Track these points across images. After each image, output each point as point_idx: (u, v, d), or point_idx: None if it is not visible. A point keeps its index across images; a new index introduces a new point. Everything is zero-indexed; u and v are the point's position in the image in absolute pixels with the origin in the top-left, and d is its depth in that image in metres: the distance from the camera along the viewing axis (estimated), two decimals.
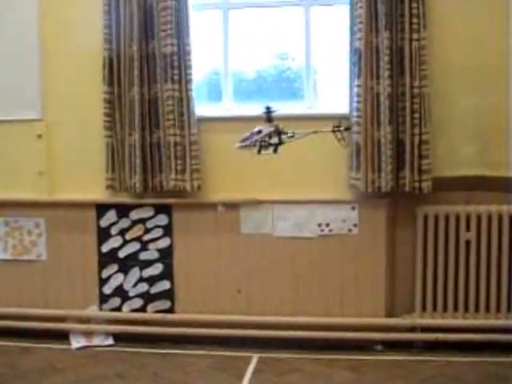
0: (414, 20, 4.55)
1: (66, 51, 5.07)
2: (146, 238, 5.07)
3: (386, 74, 4.58)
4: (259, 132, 3.75)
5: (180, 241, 5.04)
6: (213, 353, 4.87)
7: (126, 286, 5.12)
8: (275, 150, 3.78)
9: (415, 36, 4.56)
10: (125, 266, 5.11)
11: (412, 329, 4.86)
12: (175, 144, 4.84)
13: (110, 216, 5.09)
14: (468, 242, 4.74)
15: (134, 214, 5.07)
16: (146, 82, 4.86)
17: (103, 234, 5.11)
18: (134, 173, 4.89)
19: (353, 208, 4.87)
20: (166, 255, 5.06)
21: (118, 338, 5.09)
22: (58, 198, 5.15)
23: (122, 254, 5.10)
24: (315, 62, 5.04)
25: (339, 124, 3.87)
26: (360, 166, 4.67)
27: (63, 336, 5.12)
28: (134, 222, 5.07)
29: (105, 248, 5.11)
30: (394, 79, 4.63)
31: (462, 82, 4.73)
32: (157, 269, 5.09)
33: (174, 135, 4.83)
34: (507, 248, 4.71)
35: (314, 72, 5.07)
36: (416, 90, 4.59)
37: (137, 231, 5.08)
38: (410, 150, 4.63)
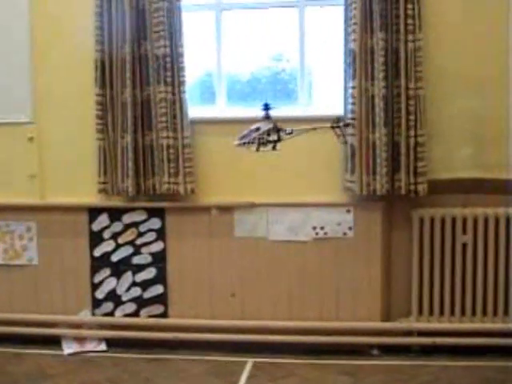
0: (410, 21, 4.56)
1: (58, 53, 5.05)
2: (139, 241, 5.06)
3: (381, 75, 4.58)
4: (257, 129, 3.75)
5: (173, 245, 5.03)
6: (207, 358, 4.86)
7: (119, 291, 5.11)
8: (274, 147, 3.78)
9: (410, 37, 4.57)
10: (117, 270, 5.10)
11: (408, 333, 4.86)
12: (168, 147, 4.83)
13: (103, 220, 5.08)
14: (464, 245, 4.74)
15: (127, 218, 5.06)
16: (139, 84, 4.85)
17: (95, 238, 5.09)
18: (126, 176, 4.88)
19: (348, 211, 4.86)
20: (159, 259, 5.05)
21: (111, 343, 5.08)
22: (49, 202, 5.14)
23: (114, 258, 5.09)
24: (310, 64, 5.04)
25: (338, 120, 3.86)
26: (355, 168, 4.67)
27: (55, 341, 5.10)
28: (127, 226, 5.06)
29: (97, 252, 5.10)
30: (389, 81, 4.63)
31: (457, 83, 4.73)
32: (150, 273, 5.07)
33: (167, 138, 4.82)
34: (504, 251, 4.71)
35: (309, 73, 5.07)
36: (411, 92, 4.59)
37: (129, 235, 5.06)
38: (406, 152, 4.63)
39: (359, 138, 4.65)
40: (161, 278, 5.06)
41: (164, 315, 5.08)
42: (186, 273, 5.04)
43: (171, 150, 4.83)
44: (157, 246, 5.05)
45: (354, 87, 4.64)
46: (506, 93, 4.66)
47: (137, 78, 4.85)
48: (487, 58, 4.67)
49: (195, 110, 4.96)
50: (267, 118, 3.79)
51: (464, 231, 4.73)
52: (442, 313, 4.80)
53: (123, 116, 4.86)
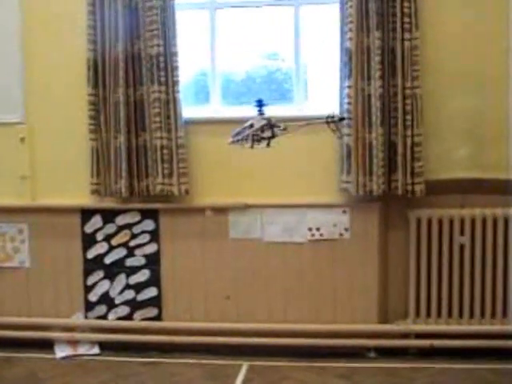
0: (406, 19, 4.56)
1: (50, 52, 5.04)
2: (133, 243, 5.05)
3: (378, 74, 4.58)
4: (251, 126, 3.74)
5: (167, 246, 5.02)
6: (202, 361, 4.86)
7: (112, 293, 5.10)
8: (268, 144, 3.77)
9: (407, 36, 4.56)
10: (111, 272, 5.08)
11: (406, 335, 4.86)
12: (162, 147, 4.82)
13: (96, 221, 5.07)
14: (462, 246, 4.74)
15: (120, 220, 5.05)
16: (132, 83, 4.85)
17: (88, 240, 5.08)
18: (119, 177, 4.86)
19: (344, 212, 4.86)
20: (153, 261, 5.04)
21: (104, 346, 5.07)
22: (41, 203, 5.12)
23: (107, 260, 5.08)
24: (305, 63, 5.04)
25: (333, 115, 3.85)
26: (351, 168, 4.67)
27: (47, 345, 5.08)
28: (120, 228, 5.05)
29: (90, 254, 5.09)
30: (386, 80, 4.63)
31: (455, 82, 4.73)
32: (144, 275, 5.06)
33: (161, 138, 4.81)
34: (502, 252, 4.71)
35: (304, 73, 5.07)
36: (408, 91, 4.59)
37: (123, 237, 5.05)
38: (403, 152, 4.63)
39: (355, 137, 4.64)
40: (154, 281, 5.05)
41: (158, 318, 5.07)
42: (180, 275, 5.03)
43: (165, 151, 4.82)
44: (150, 248, 5.04)
45: (349, 86, 4.64)
46: (504, 92, 4.66)
47: (130, 78, 4.84)
48: (485, 56, 4.67)
49: (189, 110, 4.96)
50: (261, 114, 3.78)
51: (462, 232, 4.73)
52: (439, 315, 4.80)
53: (116, 116, 4.85)
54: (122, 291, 5.08)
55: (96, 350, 5.06)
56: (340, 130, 3.94)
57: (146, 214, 5.01)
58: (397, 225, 4.84)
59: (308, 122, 3.90)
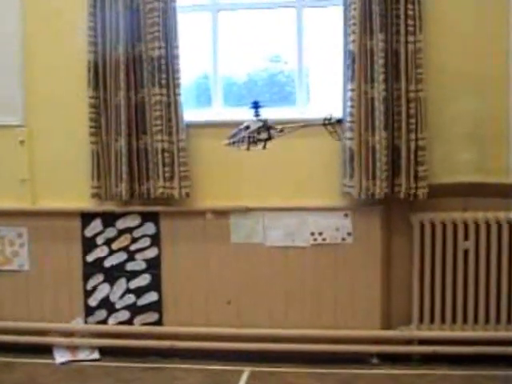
0: (410, 22, 4.55)
1: (50, 54, 5.05)
2: (133, 247, 5.06)
3: (381, 77, 4.58)
4: (247, 128, 3.75)
5: (168, 250, 5.02)
6: (202, 367, 4.86)
7: (113, 298, 5.10)
8: (264, 146, 3.77)
9: (411, 38, 4.56)
10: (111, 276, 5.09)
11: (409, 341, 4.85)
12: (163, 150, 4.82)
13: (96, 225, 5.07)
14: (466, 251, 4.74)
15: (121, 223, 5.05)
16: (133, 86, 4.85)
17: (88, 244, 5.08)
18: (120, 180, 4.87)
19: (346, 215, 4.86)
20: (153, 265, 5.04)
21: (104, 351, 5.07)
22: (41, 207, 5.13)
23: (107, 264, 5.08)
24: (308, 66, 5.04)
25: (330, 117, 3.84)
26: (354, 172, 4.66)
27: (47, 350, 5.09)
28: (121, 232, 5.06)
29: (90, 258, 5.09)
30: (389, 83, 4.62)
31: (459, 86, 4.73)
32: (144, 280, 5.07)
33: (162, 141, 4.81)
34: (507, 256, 4.71)
35: (307, 76, 5.07)
36: (412, 95, 4.59)
37: (123, 241, 5.06)
38: (406, 155, 4.63)
39: (358, 141, 4.64)
40: (155, 285, 5.05)
41: (158, 323, 5.07)
42: (181, 279, 5.03)
43: (166, 154, 4.82)
44: (151, 252, 5.04)
45: (353, 90, 4.63)
46: (509, 95, 4.66)
47: (131, 80, 4.84)
48: (490, 59, 4.67)
49: (191, 112, 4.97)
50: (257, 116, 3.78)
51: (465, 236, 4.72)
52: (443, 321, 4.80)
53: (117, 119, 4.85)
54: (122, 296, 5.08)
55: (96, 355, 5.06)
56: (338, 132, 3.93)
57: (147, 217, 5.02)
58: (400, 229, 4.84)
59: (305, 124, 3.91)
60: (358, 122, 4.63)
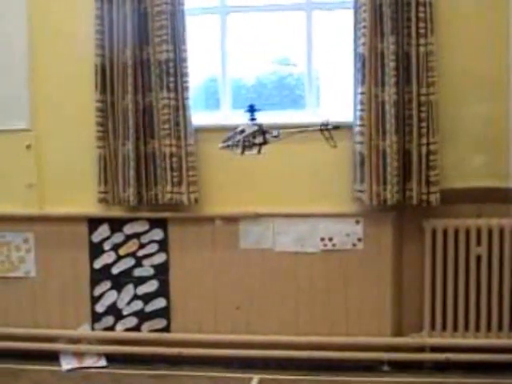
0: (421, 24, 4.55)
1: (57, 57, 5.06)
2: (141, 253, 5.06)
3: (392, 80, 4.57)
4: (242, 131, 3.74)
5: (176, 256, 5.02)
6: (211, 374, 4.86)
7: (120, 304, 5.11)
8: (259, 151, 3.76)
9: (422, 41, 4.56)
10: (118, 283, 5.10)
11: (420, 348, 4.84)
12: (171, 155, 4.83)
13: (103, 231, 5.08)
14: (479, 257, 4.72)
15: (128, 229, 5.06)
16: (141, 89, 4.85)
17: (95, 250, 5.09)
18: (127, 185, 4.88)
19: (357, 222, 4.86)
20: (161, 271, 5.05)
21: (111, 358, 5.08)
22: (47, 212, 5.14)
23: (115, 270, 5.09)
24: (317, 69, 5.04)
25: (327, 122, 3.83)
26: (364, 177, 4.66)
27: (53, 357, 5.10)
28: (128, 237, 5.06)
29: (97, 264, 5.10)
30: (400, 86, 4.62)
31: (471, 89, 4.73)
32: (152, 286, 5.07)
33: (170, 146, 4.82)
34: None
35: (317, 79, 5.07)
36: (423, 98, 4.59)
37: (131, 246, 5.07)
38: (417, 160, 4.62)
39: (369, 145, 4.64)
40: (163, 291, 5.06)
41: (166, 329, 5.07)
42: (190, 285, 5.03)
43: (174, 159, 4.83)
44: (159, 258, 5.05)
45: (363, 93, 4.63)
46: None
47: (139, 84, 4.85)
48: (502, 62, 4.66)
49: (199, 116, 4.97)
50: (252, 119, 3.78)
51: (478, 242, 4.71)
52: (455, 328, 4.79)
53: (124, 123, 4.86)
54: (129, 302, 5.09)
55: (103, 362, 5.07)
56: (333, 138, 3.90)
57: (155, 223, 5.02)
58: (411, 235, 4.83)
59: (301, 129, 3.89)
60: (368, 126, 4.63)
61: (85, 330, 5.15)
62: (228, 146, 3.83)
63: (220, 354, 4.96)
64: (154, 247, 5.04)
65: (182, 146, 4.83)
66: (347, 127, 4.75)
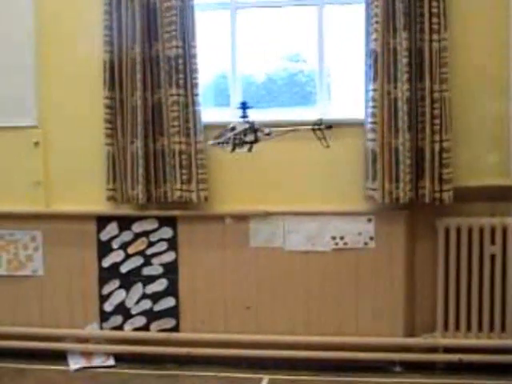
0: (434, 20, 4.54)
1: (64, 54, 5.07)
2: (150, 252, 5.06)
3: (405, 77, 4.56)
4: (233, 129, 3.74)
5: (185, 255, 5.02)
6: (220, 374, 4.86)
7: (128, 303, 5.11)
8: (250, 149, 3.76)
9: (435, 37, 4.55)
10: (127, 281, 5.10)
11: (433, 349, 4.83)
12: (180, 152, 4.83)
13: (111, 229, 5.09)
14: (493, 256, 4.70)
15: (137, 227, 5.06)
16: (150, 86, 4.86)
17: (104, 248, 5.10)
18: (136, 183, 4.88)
19: (369, 220, 4.84)
20: (170, 270, 5.05)
21: (120, 358, 5.09)
22: (55, 210, 5.15)
23: (123, 269, 5.09)
24: (329, 65, 5.03)
25: (320, 122, 3.82)
26: (376, 175, 4.65)
27: (61, 356, 5.11)
28: (137, 235, 5.07)
29: (106, 263, 5.11)
30: (413, 83, 4.61)
31: (485, 85, 4.71)
32: (161, 285, 5.07)
33: (179, 143, 4.82)
34: None
35: (328, 75, 5.06)
36: (436, 95, 4.58)
37: (140, 245, 5.07)
38: (430, 158, 4.61)
39: (381, 143, 4.63)
40: (172, 290, 5.06)
41: (175, 329, 5.07)
42: (199, 284, 5.03)
43: (183, 156, 4.83)
44: (168, 257, 5.05)
45: (375, 89, 4.62)
46: None
47: (148, 80, 4.85)
48: None
49: (209, 113, 4.96)
50: (244, 117, 3.77)
51: (492, 241, 4.69)
52: (468, 328, 4.77)
53: (133, 120, 4.86)
54: (138, 301, 5.09)
55: (111, 361, 5.08)
56: (326, 138, 3.88)
57: (164, 222, 5.02)
58: (424, 234, 4.81)
59: (293, 128, 3.89)
60: (380, 123, 4.62)
61: (93, 329, 5.15)
62: (219, 144, 3.83)
63: (230, 354, 4.96)
64: (163, 246, 5.04)
65: (191, 144, 4.83)
66: (358, 124, 4.76)
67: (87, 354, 5.11)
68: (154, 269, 5.06)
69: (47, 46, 5.08)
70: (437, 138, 4.59)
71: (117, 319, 5.13)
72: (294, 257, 4.93)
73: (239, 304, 5.01)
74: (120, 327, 5.13)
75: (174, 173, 4.85)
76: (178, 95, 4.79)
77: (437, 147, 4.60)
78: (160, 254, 5.05)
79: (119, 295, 5.11)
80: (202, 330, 5.03)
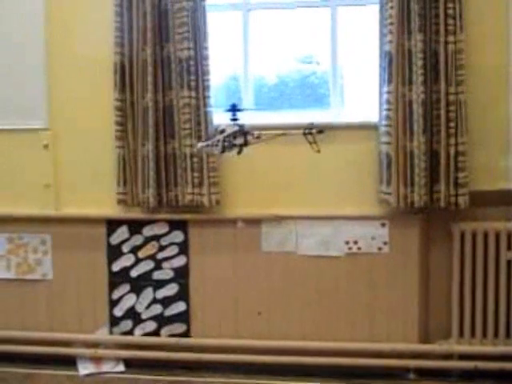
0: (450, 21, 4.51)
1: (75, 55, 5.05)
2: (160, 256, 5.05)
3: (420, 79, 4.54)
4: (222, 131, 3.73)
5: (196, 259, 5.01)
6: (231, 380, 4.85)
7: (139, 308, 5.10)
8: (239, 152, 3.74)
9: (451, 39, 4.52)
10: (137, 286, 5.09)
11: (448, 356, 4.80)
12: (192, 155, 4.81)
13: (122, 232, 5.08)
14: (509, 262, 4.68)
15: (148, 231, 5.05)
16: (161, 88, 4.84)
17: (114, 252, 5.09)
18: (147, 186, 4.87)
19: (383, 224, 4.82)
20: (181, 275, 5.04)
21: (130, 363, 5.08)
22: (65, 213, 5.15)
23: (134, 273, 5.09)
24: (342, 67, 5.02)
25: (311, 126, 3.79)
26: (391, 179, 4.63)
27: (70, 362, 5.10)
28: (147, 239, 5.06)
29: (116, 267, 5.10)
30: (428, 85, 4.59)
31: (501, 88, 4.69)
32: (171, 289, 5.06)
33: (191, 146, 4.80)
34: None
35: (341, 77, 5.04)
36: (452, 97, 4.55)
37: (150, 249, 5.06)
38: (446, 161, 4.58)
39: (396, 146, 4.60)
40: (183, 295, 5.04)
41: (186, 334, 5.06)
42: (210, 289, 5.02)
43: (195, 159, 4.81)
44: (179, 261, 5.03)
45: (389, 92, 4.60)
46: None
47: (159, 82, 4.84)
48: None
49: (220, 116, 4.93)
50: (234, 119, 3.75)
51: (509, 247, 4.67)
52: (484, 335, 4.74)
53: (144, 122, 4.85)
54: (148, 306, 5.08)
55: (121, 367, 5.07)
56: (317, 143, 3.85)
57: (175, 225, 5.01)
58: (439, 238, 4.79)
59: (283, 132, 3.86)
60: (395, 126, 4.60)
61: (103, 334, 5.14)
62: (207, 146, 3.82)
63: (241, 360, 4.94)
64: (173, 250, 5.03)
65: None
66: (372, 127, 4.74)
67: (97, 360, 5.10)
68: (165, 273, 5.05)
69: (57, 47, 5.07)
70: (452, 141, 4.57)
71: (127, 324, 5.12)
72: (306, 261, 4.91)
73: (250, 309, 4.99)
74: (130, 332, 5.12)
75: (185, 176, 4.84)
76: (190, 97, 4.77)
77: (452, 150, 4.57)
78: (171, 258, 5.04)
79: (129, 300, 5.10)
80: (212, 336, 5.01)
